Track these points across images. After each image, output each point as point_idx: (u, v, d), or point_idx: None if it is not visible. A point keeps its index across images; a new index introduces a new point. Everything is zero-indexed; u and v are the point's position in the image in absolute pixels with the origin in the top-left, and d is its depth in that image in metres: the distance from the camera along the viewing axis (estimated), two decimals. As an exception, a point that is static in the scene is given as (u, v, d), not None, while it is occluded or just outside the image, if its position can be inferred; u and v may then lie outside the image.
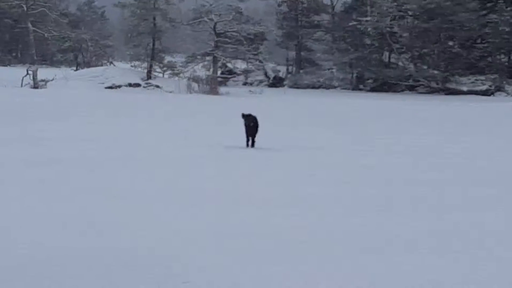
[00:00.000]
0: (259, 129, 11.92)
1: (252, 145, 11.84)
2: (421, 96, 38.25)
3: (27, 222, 5.38)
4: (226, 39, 39.16)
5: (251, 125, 11.80)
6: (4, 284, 3.58)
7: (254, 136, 11.98)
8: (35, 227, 5.19)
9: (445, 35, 40.82)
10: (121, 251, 4.36)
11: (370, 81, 42.39)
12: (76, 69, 46.30)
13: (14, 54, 66.79)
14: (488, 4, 40.27)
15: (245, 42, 38.63)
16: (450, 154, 12.05)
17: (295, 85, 41.99)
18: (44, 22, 45.32)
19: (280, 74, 44.04)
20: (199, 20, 39.78)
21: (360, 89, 41.50)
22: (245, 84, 42.52)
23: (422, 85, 40.72)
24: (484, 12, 39.38)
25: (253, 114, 12.01)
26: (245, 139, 11.80)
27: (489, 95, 38.10)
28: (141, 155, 10.51)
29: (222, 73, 42.68)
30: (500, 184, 8.55)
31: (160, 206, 6.27)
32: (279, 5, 46.55)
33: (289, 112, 23.29)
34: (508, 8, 39.25)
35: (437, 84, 40.12)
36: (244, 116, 12.05)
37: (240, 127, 11.94)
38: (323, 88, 41.62)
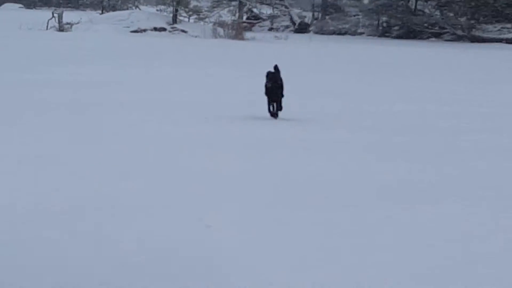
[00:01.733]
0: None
1: (276, 113, 8.85)
2: (447, 44, 38.34)
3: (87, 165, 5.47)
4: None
5: (270, 85, 8.82)
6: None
7: (278, 101, 9.04)
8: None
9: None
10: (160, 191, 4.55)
11: (396, 28, 42.10)
12: (102, 13, 46.77)
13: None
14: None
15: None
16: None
17: (321, 31, 41.71)
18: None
19: (306, 20, 43.60)
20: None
21: (386, 36, 41.32)
22: (270, 29, 42.32)
23: (448, 32, 40.48)
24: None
25: (279, 67, 9.16)
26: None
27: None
28: (169, 99, 10.52)
29: (247, 18, 42.63)
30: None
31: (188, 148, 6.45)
32: None
33: (314, 59, 23.04)
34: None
35: (463, 31, 39.99)
36: (267, 75, 9.13)
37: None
38: (349, 34, 41.40)
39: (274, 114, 8.54)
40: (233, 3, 40.14)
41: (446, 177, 5.57)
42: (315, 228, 3.69)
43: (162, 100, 10.27)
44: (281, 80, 8.63)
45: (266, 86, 8.67)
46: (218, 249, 3.12)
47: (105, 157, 5.79)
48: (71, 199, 4.18)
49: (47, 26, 31.95)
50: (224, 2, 41.32)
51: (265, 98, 8.58)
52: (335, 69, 18.83)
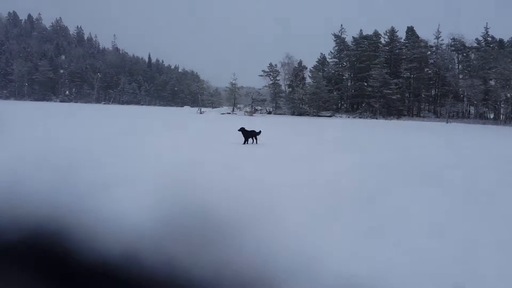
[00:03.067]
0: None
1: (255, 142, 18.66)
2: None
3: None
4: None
5: (242, 131, 18.65)
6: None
7: (255, 137, 18.96)
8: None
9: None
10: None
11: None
12: (212, 108, 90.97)
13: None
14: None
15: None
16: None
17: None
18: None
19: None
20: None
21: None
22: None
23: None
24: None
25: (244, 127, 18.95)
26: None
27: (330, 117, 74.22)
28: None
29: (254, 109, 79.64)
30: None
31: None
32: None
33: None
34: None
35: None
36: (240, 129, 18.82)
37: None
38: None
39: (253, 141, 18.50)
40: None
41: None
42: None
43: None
44: (244, 130, 18.53)
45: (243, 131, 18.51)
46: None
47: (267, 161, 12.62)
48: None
49: (200, 111, 73.71)
50: (258, 100, 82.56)
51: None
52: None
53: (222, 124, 39.09)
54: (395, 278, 4.19)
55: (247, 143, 18.38)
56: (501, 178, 12.55)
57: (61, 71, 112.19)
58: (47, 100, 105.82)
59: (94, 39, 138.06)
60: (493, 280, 4.48)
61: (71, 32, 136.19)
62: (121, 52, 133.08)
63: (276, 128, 33.08)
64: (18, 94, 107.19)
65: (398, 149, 20.59)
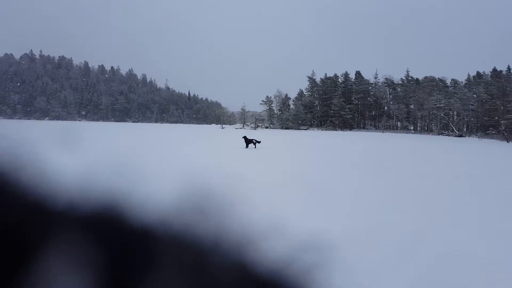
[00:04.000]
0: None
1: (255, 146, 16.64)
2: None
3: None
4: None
5: (245, 139, 16.82)
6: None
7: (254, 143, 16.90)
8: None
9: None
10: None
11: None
12: (230, 125, 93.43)
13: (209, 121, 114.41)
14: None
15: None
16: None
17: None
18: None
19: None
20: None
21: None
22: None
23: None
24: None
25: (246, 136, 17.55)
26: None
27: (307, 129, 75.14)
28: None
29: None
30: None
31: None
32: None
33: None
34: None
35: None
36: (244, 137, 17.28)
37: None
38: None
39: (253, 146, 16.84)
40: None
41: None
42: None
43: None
44: (247, 138, 16.95)
45: (246, 139, 16.87)
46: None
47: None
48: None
49: (222, 127, 73.34)
50: (259, 120, 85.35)
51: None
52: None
53: (235, 134, 39.85)
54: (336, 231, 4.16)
55: (248, 147, 17.25)
56: (399, 156, 13.82)
57: (135, 103, 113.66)
58: (123, 121, 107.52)
59: (153, 81, 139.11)
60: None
61: (138, 77, 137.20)
62: (170, 89, 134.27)
63: (270, 137, 33.62)
64: (104, 118, 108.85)
65: (348, 148, 21.42)
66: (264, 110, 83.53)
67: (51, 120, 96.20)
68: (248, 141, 17.36)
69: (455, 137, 54.65)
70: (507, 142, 45.24)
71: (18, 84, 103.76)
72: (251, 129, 69.90)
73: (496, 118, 55.15)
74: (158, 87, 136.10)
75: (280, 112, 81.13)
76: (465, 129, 64.10)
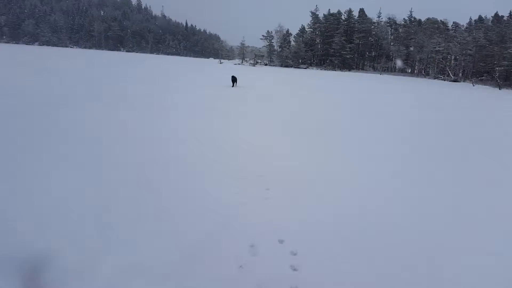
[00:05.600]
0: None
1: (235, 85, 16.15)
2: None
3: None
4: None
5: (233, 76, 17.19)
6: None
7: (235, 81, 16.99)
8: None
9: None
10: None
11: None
12: (229, 60, 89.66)
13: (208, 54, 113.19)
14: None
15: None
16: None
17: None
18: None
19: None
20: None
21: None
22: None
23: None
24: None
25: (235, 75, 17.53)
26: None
27: (306, 68, 77.94)
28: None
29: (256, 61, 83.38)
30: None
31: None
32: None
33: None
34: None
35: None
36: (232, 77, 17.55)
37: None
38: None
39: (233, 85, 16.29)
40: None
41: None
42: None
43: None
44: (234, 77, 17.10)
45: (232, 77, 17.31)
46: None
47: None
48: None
49: (220, 62, 72.52)
50: (259, 56, 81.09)
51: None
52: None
53: (232, 69, 38.99)
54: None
55: (235, 85, 18.13)
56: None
57: (129, 30, 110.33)
58: (117, 50, 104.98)
59: (148, 8, 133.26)
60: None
61: (133, 3, 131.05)
62: (167, 18, 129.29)
63: (271, 74, 33.92)
64: (97, 46, 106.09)
65: (348, 88, 22.62)
66: (264, 46, 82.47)
67: (41, 45, 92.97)
68: (234, 79, 18.78)
69: (450, 82, 56.31)
70: (499, 89, 47.22)
71: (4, 4, 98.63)
72: (250, 65, 67.92)
73: (495, 63, 56.12)
74: (153, 14, 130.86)
75: (281, 49, 79.93)
76: (460, 74, 65.45)
